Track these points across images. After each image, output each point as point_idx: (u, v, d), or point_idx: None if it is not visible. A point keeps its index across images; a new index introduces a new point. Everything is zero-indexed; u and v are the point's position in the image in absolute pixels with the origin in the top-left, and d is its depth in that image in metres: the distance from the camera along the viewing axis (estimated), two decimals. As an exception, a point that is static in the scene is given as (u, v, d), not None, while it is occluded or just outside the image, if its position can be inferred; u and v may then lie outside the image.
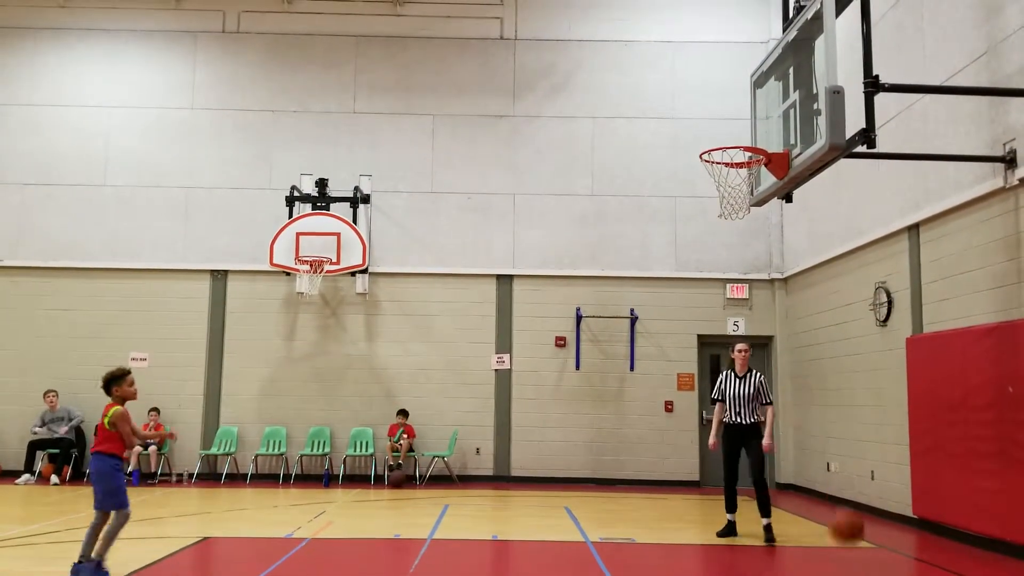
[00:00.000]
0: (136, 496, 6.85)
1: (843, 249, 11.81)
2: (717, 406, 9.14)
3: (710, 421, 14.13)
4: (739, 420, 8.89)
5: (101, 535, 6.52)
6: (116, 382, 6.76)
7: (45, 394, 13.74)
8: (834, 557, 7.90)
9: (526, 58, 15.02)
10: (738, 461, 9.03)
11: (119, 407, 6.68)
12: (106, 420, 6.64)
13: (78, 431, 13.77)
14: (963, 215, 9.02)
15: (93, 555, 6.46)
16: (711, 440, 9.15)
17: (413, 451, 13.86)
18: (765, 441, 8.82)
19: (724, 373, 9.16)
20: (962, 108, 9.04)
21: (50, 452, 13.55)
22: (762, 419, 8.92)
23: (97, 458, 6.63)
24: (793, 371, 13.86)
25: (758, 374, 9.00)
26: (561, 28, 15.09)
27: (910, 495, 9.72)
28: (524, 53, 15.04)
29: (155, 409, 13.63)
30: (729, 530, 8.98)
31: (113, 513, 6.52)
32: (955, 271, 9.13)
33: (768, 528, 8.70)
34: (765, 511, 8.76)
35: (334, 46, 15.04)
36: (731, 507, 9.04)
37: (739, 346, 9.07)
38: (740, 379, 8.92)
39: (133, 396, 6.84)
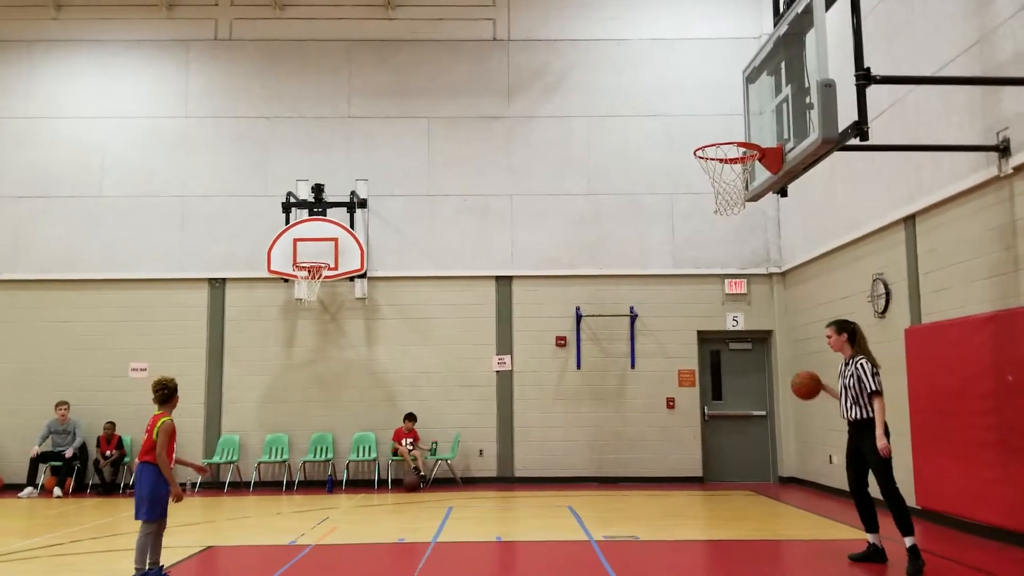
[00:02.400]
0: (138, 507, 6.83)
1: (840, 242, 11.82)
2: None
3: (713, 417, 14.33)
4: (846, 415, 7.57)
5: (138, 545, 6.52)
6: (176, 391, 6.91)
7: (57, 405, 13.73)
8: (838, 550, 7.90)
9: (519, 59, 15.03)
10: (859, 464, 7.65)
11: (169, 420, 6.70)
12: (155, 432, 6.63)
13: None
14: (958, 205, 9.02)
15: (148, 565, 6.49)
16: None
17: (416, 457, 13.84)
18: (879, 442, 7.22)
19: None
20: (955, 98, 9.05)
21: (53, 465, 13.55)
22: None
23: (144, 467, 6.64)
24: (793, 365, 13.84)
25: (860, 359, 7.47)
26: (554, 28, 15.10)
27: (912, 485, 9.71)
28: (517, 54, 15.04)
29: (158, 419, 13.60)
30: (871, 554, 7.47)
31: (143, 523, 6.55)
32: (952, 261, 9.14)
33: (911, 552, 7.06)
34: (903, 528, 7.15)
35: (327, 51, 15.05)
36: (870, 526, 7.54)
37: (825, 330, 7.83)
38: (844, 365, 7.60)
39: (175, 405, 7.00)
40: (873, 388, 7.25)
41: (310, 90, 14.96)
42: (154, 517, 6.59)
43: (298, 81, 14.98)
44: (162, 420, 6.68)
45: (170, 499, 6.59)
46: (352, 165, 14.69)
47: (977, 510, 8.46)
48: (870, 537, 7.48)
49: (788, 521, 10.18)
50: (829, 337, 7.66)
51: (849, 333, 7.54)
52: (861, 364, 7.37)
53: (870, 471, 7.40)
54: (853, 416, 7.44)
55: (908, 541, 7.06)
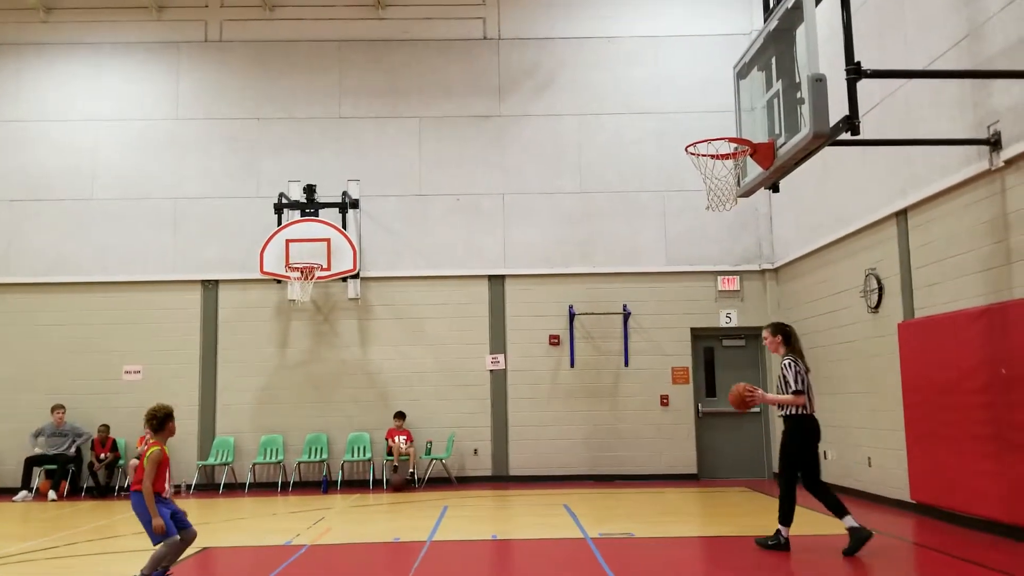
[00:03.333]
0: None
1: (832, 237, 11.84)
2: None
3: (707, 414, 14.32)
4: (778, 411, 8.05)
5: (151, 556, 6.45)
6: (171, 419, 6.72)
7: (53, 409, 13.67)
8: (834, 546, 7.90)
9: (510, 57, 15.03)
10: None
11: (158, 449, 6.55)
12: (145, 458, 6.56)
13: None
14: (950, 199, 9.05)
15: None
16: None
17: (408, 456, 13.83)
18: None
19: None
20: (946, 92, 9.07)
21: (47, 468, 13.50)
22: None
23: (136, 496, 6.49)
24: (787, 361, 13.87)
25: (788, 359, 7.84)
26: (544, 26, 15.09)
27: (907, 480, 9.74)
28: (508, 52, 15.04)
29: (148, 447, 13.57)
30: (859, 538, 7.48)
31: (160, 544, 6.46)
32: (944, 255, 9.16)
33: (779, 537, 7.71)
34: (785, 519, 7.69)
35: (318, 52, 15.02)
36: (839, 513, 7.58)
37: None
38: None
39: (174, 432, 6.80)
40: (794, 388, 7.60)
41: (301, 91, 14.94)
42: (167, 538, 6.49)
43: (289, 82, 14.96)
44: (152, 449, 6.57)
45: (183, 488, 6.44)
46: (344, 165, 14.67)
47: (971, 503, 8.47)
48: (845, 522, 7.50)
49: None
50: (766, 339, 8.09)
51: (784, 335, 7.96)
52: (787, 363, 7.74)
53: (821, 460, 7.66)
54: (781, 412, 7.87)
55: (784, 531, 7.68)
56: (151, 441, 6.69)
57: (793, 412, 7.67)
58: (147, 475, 6.43)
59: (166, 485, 6.74)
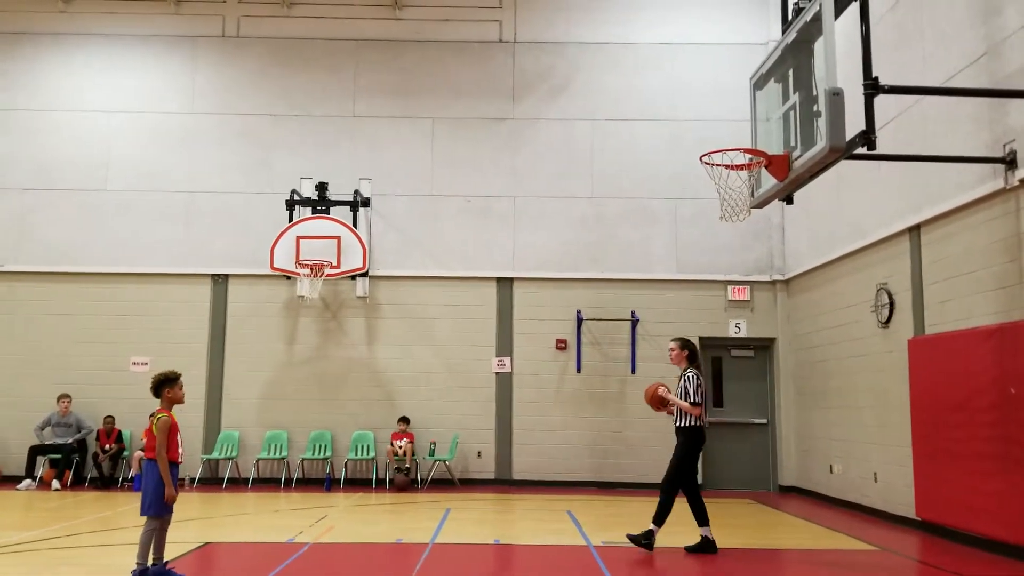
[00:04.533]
0: (137, 501, 6.83)
1: (844, 251, 11.80)
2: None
3: (713, 424, 14.18)
4: (675, 422, 8.46)
5: (141, 540, 6.50)
6: (168, 384, 6.72)
7: (59, 398, 13.71)
8: (837, 561, 7.88)
9: (525, 60, 15.02)
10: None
11: (165, 415, 6.62)
12: (154, 426, 6.60)
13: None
14: (964, 216, 9.00)
15: (151, 561, 6.48)
16: None
17: (415, 455, 13.84)
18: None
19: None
20: (962, 109, 9.03)
21: (51, 457, 13.53)
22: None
23: (150, 464, 6.56)
24: (795, 373, 13.84)
25: (689, 372, 8.40)
26: (560, 30, 15.09)
27: (913, 497, 9.70)
28: (523, 55, 15.04)
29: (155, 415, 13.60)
30: (705, 545, 8.26)
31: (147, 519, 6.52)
32: (957, 272, 9.12)
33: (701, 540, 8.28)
34: (658, 519, 8.31)
35: (333, 50, 15.04)
36: (701, 521, 8.29)
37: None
38: (678, 378, 8.52)
39: (181, 400, 6.82)
40: (692, 401, 8.22)
41: (316, 88, 14.96)
42: (158, 513, 6.56)
43: (304, 79, 14.98)
44: (158, 416, 6.63)
45: (187, 482, 6.51)
46: (356, 164, 14.68)
47: (978, 523, 8.43)
48: (702, 530, 8.21)
49: (787, 530, 10.16)
50: (672, 350, 8.58)
51: (690, 351, 8.54)
52: (689, 376, 8.33)
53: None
54: (676, 423, 8.37)
55: (653, 527, 8.29)
56: (156, 410, 6.70)
57: (690, 423, 8.26)
58: (159, 444, 6.51)
59: (179, 451, 6.75)
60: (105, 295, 14.38)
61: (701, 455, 8.53)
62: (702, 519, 8.25)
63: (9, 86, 14.93)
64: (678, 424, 8.34)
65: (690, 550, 8.23)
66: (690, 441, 8.29)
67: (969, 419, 8.53)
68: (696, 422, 8.26)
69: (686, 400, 8.24)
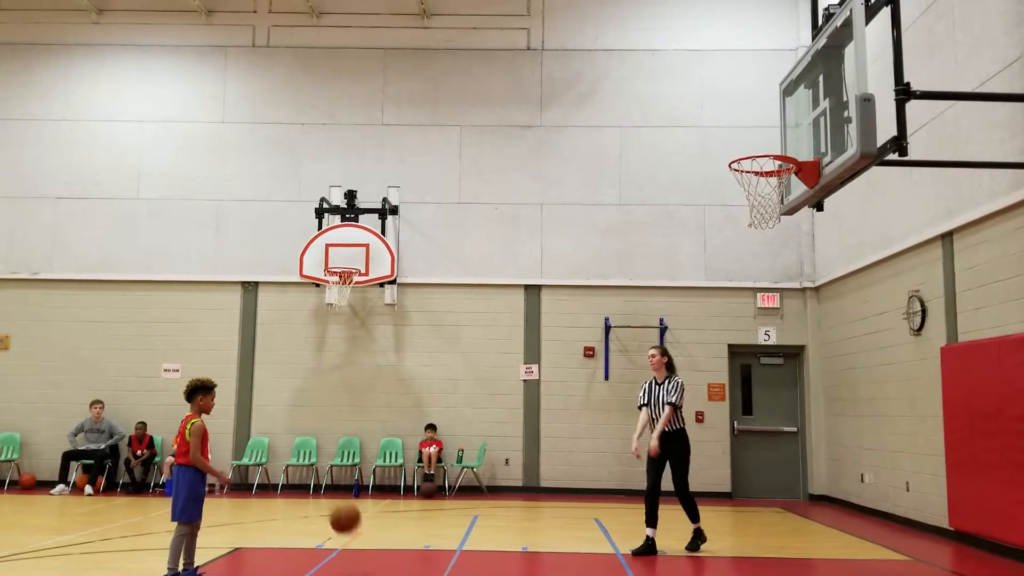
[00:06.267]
0: (168, 506, 6.91)
1: (875, 258, 11.68)
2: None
3: (742, 432, 14.18)
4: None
5: (171, 546, 6.59)
6: (202, 392, 6.86)
7: (92, 404, 13.88)
8: (870, 571, 7.79)
9: (553, 68, 15.04)
10: (662, 468, 8.81)
11: (199, 421, 6.76)
12: (187, 432, 6.69)
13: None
14: (997, 223, 8.89)
15: (182, 566, 6.56)
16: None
17: (442, 461, 13.87)
18: (652, 441, 8.69)
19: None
20: (995, 114, 8.92)
21: (84, 463, 13.71)
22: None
23: (181, 470, 6.69)
24: (825, 381, 13.71)
25: (677, 378, 8.89)
26: (588, 38, 15.09)
27: (946, 507, 9.57)
28: (551, 63, 15.05)
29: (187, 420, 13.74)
30: (650, 547, 8.56)
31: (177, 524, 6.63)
32: (990, 279, 9.00)
33: (696, 532, 8.84)
34: (692, 516, 8.86)
35: (362, 59, 15.14)
36: (652, 522, 8.67)
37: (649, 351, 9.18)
38: (657, 384, 8.91)
39: (209, 410, 6.94)
40: (675, 402, 8.65)
41: (345, 97, 15.07)
42: (190, 519, 6.63)
43: (333, 88, 15.09)
44: (192, 422, 6.74)
45: (217, 488, 6.58)
46: (384, 172, 14.76)
47: (1013, 533, 8.30)
48: (649, 531, 8.58)
49: (817, 539, 10.05)
50: (653, 356, 8.95)
51: (669, 358, 8.99)
52: (680, 382, 8.81)
53: (667, 476, 8.64)
54: (666, 430, 8.66)
55: (696, 525, 8.78)
56: (189, 413, 6.81)
57: (679, 427, 8.71)
58: (194, 448, 6.64)
59: (208, 456, 6.87)
60: (137, 303, 14.56)
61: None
62: (694, 515, 8.80)
63: (44, 96, 15.17)
64: (667, 430, 8.67)
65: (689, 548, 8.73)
66: (684, 443, 8.74)
67: (1003, 427, 8.41)
68: (681, 424, 8.75)
69: (666, 399, 8.67)
